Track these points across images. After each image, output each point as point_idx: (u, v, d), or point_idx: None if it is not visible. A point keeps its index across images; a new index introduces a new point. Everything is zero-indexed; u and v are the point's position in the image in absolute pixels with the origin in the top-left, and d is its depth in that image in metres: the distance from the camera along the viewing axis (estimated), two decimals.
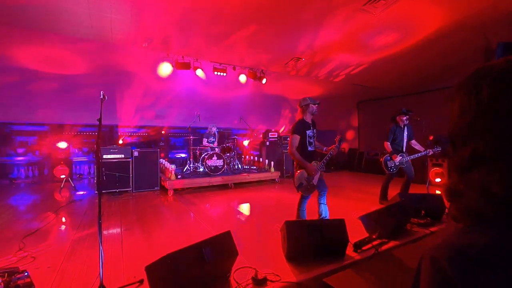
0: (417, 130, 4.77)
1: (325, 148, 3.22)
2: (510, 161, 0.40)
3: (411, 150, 4.52)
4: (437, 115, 7.39)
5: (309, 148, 3.13)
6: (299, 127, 3.08)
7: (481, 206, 0.42)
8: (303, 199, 3.20)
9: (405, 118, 4.50)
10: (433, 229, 3.20)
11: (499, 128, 0.42)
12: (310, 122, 3.17)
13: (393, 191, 4.53)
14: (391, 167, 4.39)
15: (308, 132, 3.12)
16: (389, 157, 4.40)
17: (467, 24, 4.46)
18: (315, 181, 3.04)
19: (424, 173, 6.50)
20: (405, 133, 4.52)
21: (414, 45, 5.38)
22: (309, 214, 3.24)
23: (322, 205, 3.12)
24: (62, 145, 6.46)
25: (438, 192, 5.35)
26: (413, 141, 4.56)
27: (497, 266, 0.37)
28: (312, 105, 3.13)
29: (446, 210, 3.52)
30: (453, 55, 5.70)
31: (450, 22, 4.48)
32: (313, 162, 3.07)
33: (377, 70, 6.92)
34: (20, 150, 7.13)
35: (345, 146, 10.61)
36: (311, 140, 3.15)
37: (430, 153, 4.26)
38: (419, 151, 4.38)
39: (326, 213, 3.12)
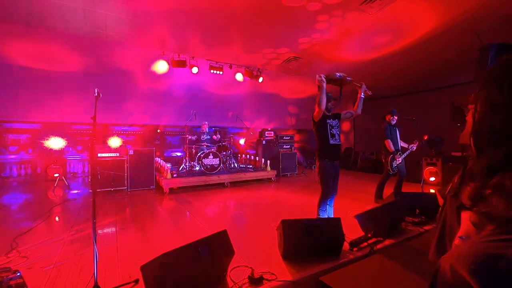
0: (411, 130, 4.82)
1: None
2: None
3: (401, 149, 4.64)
4: (431, 115, 7.51)
5: (331, 141, 2.91)
6: (318, 116, 2.92)
7: (511, 213, 0.38)
8: (321, 201, 3.04)
9: (393, 118, 4.56)
10: (427, 227, 3.24)
11: None
12: (329, 114, 3.01)
13: (386, 190, 4.59)
14: (395, 167, 4.46)
15: (329, 121, 2.93)
16: (394, 157, 4.46)
17: (460, 24, 4.51)
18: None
19: (418, 172, 6.57)
20: (398, 131, 4.59)
21: (408, 45, 5.43)
22: (310, 213, 3.24)
23: (328, 206, 3.10)
24: (56, 144, 6.34)
25: (432, 190, 5.41)
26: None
27: None
28: (327, 102, 2.94)
29: (440, 209, 3.56)
30: (446, 55, 5.77)
31: (443, 23, 4.53)
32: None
33: (371, 69, 6.96)
34: (12, 148, 7.00)
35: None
36: (334, 132, 2.94)
37: (414, 149, 4.49)
38: (405, 148, 4.55)
39: (330, 215, 3.12)
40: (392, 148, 4.45)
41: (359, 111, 3.05)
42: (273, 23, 4.59)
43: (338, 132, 3.01)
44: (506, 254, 0.35)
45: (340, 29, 4.81)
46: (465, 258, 0.38)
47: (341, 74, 2.92)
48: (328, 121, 2.95)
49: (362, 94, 3.00)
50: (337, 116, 3.07)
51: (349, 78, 2.95)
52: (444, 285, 0.39)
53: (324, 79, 2.79)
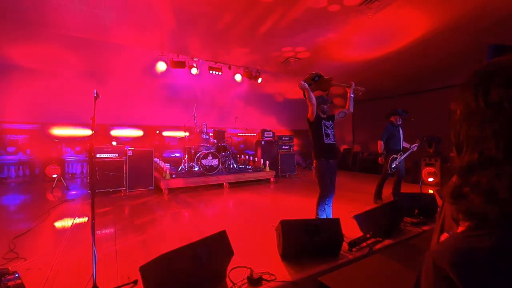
0: (410, 130, 4.85)
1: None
2: None
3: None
4: (429, 115, 7.53)
5: (326, 140, 3.01)
6: (313, 115, 3.02)
7: (487, 209, 0.40)
8: (319, 200, 3.07)
9: (399, 118, 4.57)
10: (426, 227, 3.24)
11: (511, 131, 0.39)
12: (324, 116, 3.11)
13: (386, 190, 4.59)
14: (393, 167, 4.49)
15: (324, 122, 3.03)
16: (395, 157, 4.47)
17: (460, 25, 4.53)
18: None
19: (417, 172, 6.59)
20: (401, 132, 4.60)
21: (407, 46, 5.44)
22: (309, 214, 3.24)
23: (327, 206, 3.11)
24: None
25: (431, 191, 5.42)
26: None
27: (502, 270, 0.36)
28: (322, 104, 3.07)
29: (439, 209, 3.57)
30: (446, 56, 5.79)
31: (442, 24, 4.54)
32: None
33: (371, 70, 6.97)
34: (10, 149, 6.97)
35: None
36: (329, 132, 3.05)
37: (415, 149, 4.52)
38: (406, 148, 4.57)
39: (329, 215, 3.13)
40: (381, 149, 4.51)
41: (351, 109, 3.20)
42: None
43: (332, 133, 3.10)
44: (482, 247, 0.38)
45: (340, 30, 4.82)
46: (446, 252, 0.41)
47: (317, 72, 3.08)
48: (323, 122, 3.06)
49: (352, 94, 3.16)
50: (331, 118, 3.17)
51: (327, 77, 3.10)
52: (428, 278, 0.41)
53: (305, 83, 2.94)
